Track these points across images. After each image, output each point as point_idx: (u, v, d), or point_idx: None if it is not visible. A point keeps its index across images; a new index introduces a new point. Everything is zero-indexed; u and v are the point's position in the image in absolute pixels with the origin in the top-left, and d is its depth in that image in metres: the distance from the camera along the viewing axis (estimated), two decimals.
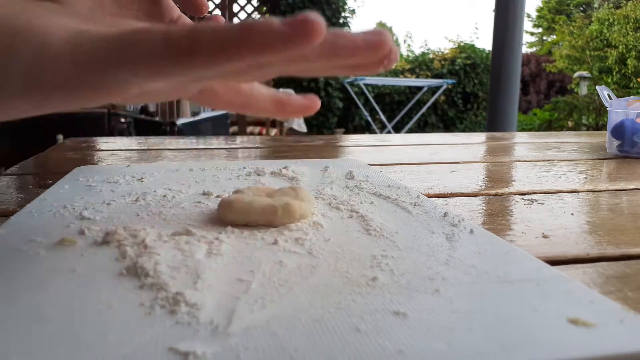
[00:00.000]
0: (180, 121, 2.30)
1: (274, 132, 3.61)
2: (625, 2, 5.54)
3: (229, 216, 0.37)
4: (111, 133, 2.14)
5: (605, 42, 5.52)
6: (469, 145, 0.96)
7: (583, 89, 5.68)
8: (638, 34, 5.12)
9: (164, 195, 0.47)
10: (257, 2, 5.10)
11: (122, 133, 2.16)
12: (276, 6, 5.00)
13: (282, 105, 0.33)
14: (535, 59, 7.94)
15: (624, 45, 5.23)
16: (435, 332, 0.22)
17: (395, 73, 6.14)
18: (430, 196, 0.50)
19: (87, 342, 0.21)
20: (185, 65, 0.20)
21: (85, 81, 0.22)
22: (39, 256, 0.31)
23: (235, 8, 5.09)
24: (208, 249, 0.32)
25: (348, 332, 0.22)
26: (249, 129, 3.43)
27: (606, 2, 6.11)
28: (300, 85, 5.05)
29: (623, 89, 5.27)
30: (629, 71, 5.25)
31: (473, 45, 6.36)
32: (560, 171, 0.66)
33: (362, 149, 0.90)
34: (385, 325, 0.22)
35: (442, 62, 6.18)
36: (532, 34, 11.50)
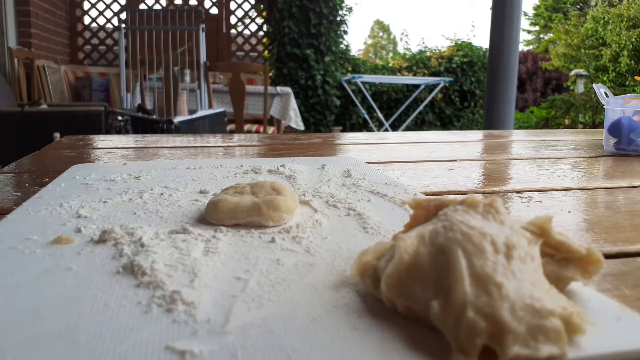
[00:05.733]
0: (177, 119, 2.29)
1: (271, 130, 3.61)
2: (619, 0, 5.54)
3: (217, 217, 0.37)
4: (108, 131, 2.13)
5: (600, 40, 5.52)
6: (466, 143, 0.96)
7: (580, 87, 5.68)
8: (630, 33, 5.12)
9: (161, 194, 0.46)
10: None
11: (119, 131, 2.15)
12: (273, 4, 4.97)
13: None
14: (532, 56, 7.94)
15: (617, 44, 5.23)
16: (432, 330, 0.22)
17: (393, 71, 6.13)
18: (427, 194, 0.50)
19: (84, 340, 0.21)
20: None
21: None
22: (35, 254, 0.31)
23: (233, 6, 5.07)
24: (205, 247, 0.32)
25: (345, 330, 0.22)
26: (246, 127, 3.42)
27: (601, 0, 6.11)
28: (297, 83, 5.03)
29: (619, 87, 5.27)
30: (623, 69, 5.26)
31: (470, 43, 6.35)
32: (557, 169, 0.67)
33: (359, 146, 0.90)
34: (382, 322, 0.22)
35: (440, 60, 6.17)
36: (529, 32, 11.49)
